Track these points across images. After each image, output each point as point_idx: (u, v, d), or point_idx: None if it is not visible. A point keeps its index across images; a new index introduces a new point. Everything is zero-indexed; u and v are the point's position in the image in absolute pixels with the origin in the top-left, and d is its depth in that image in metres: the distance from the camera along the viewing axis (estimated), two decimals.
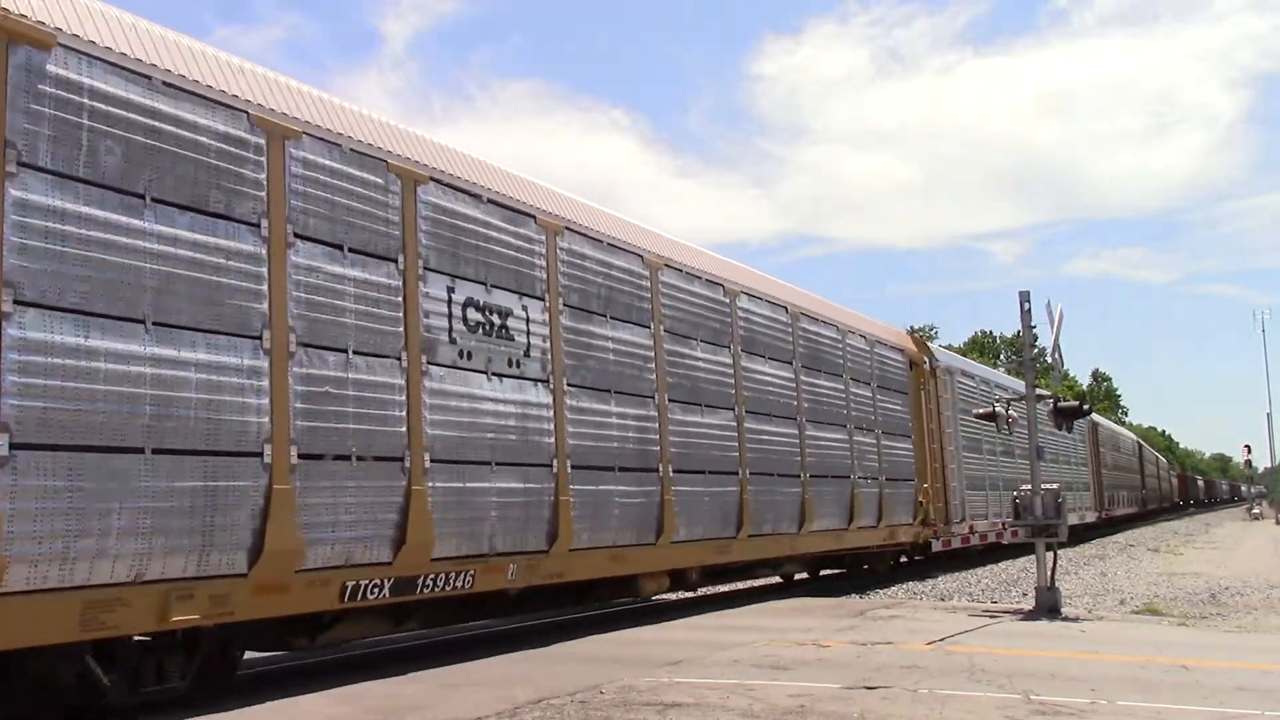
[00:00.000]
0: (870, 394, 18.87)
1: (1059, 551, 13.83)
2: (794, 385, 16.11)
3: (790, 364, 16.12)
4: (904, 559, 22.45)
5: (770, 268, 17.77)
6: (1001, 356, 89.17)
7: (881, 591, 17.48)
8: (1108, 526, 41.02)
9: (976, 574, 21.08)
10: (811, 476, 16.12)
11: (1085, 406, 16.47)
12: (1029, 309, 13.44)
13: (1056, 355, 15.53)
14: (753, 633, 10.94)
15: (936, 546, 21.01)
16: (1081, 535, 33.33)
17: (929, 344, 23.89)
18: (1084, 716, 6.55)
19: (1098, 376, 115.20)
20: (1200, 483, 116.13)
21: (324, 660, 10.50)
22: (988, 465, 24.72)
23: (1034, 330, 13.73)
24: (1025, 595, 15.63)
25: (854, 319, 19.13)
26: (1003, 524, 24.29)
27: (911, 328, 73.21)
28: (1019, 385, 28.06)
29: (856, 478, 17.64)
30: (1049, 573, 12.66)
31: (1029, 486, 13.12)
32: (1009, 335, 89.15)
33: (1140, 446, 58.95)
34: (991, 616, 12.29)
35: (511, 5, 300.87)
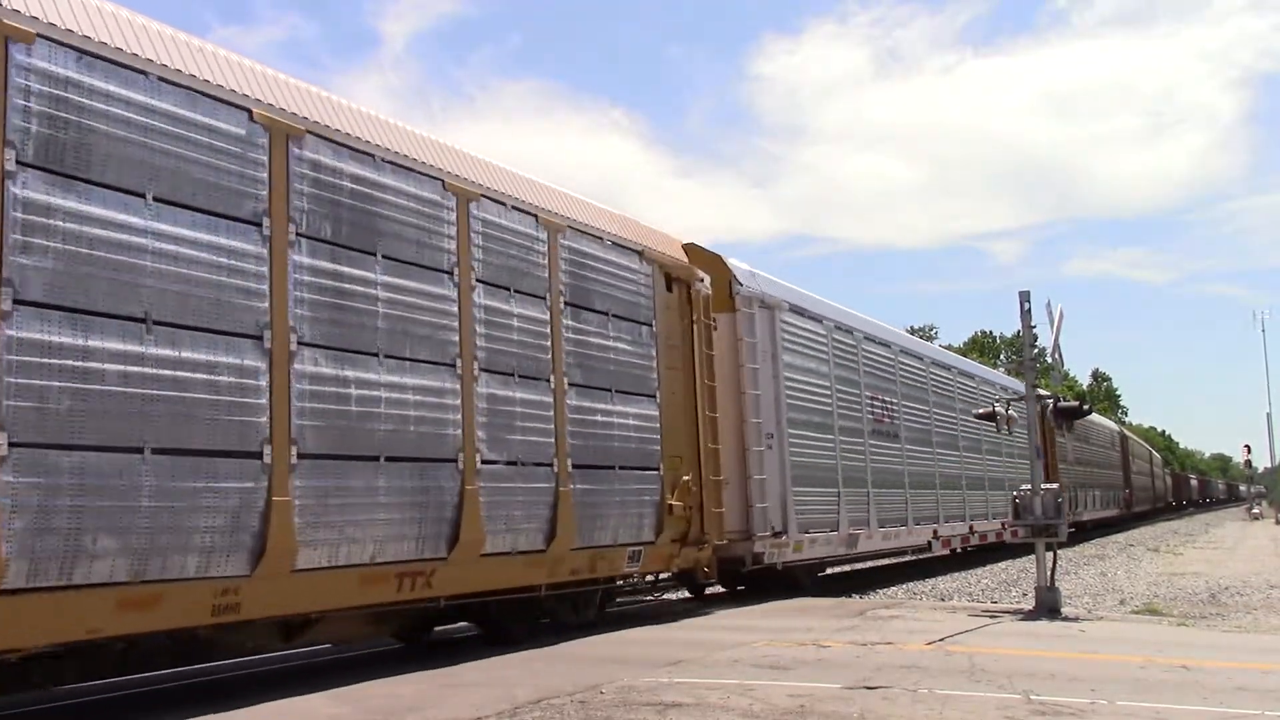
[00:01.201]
0: (545, 315, 10.95)
1: (1059, 551, 13.83)
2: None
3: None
4: (678, 594, 15.73)
5: (771, 267, 17.42)
6: (1001, 356, 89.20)
7: (881, 592, 17.49)
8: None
9: (976, 574, 21.09)
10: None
11: (1085, 406, 16.50)
12: (1029, 309, 13.45)
13: (1056, 355, 15.55)
14: (753, 633, 10.94)
15: (764, 565, 14.72)
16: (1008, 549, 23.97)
17: (728, 260, 15.16)
18: (1084, 716, 6.55)
19: (1098, 376, 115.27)
20: (1194, 482, 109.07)
21: (324, 660, 10.50)
22: (882, 454, 19.04)
23: (1034, 330, 13.74)
24: (1025, 595, 15.64)
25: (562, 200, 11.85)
26: (933, 540, 20.85)
27: (914, 329, 73.33)
28: (910, 341, 24.17)
29: (481, 463, 9.87)
30: (1049, 573, 12.66)
31: (1028, 487, 13.12)
32: (1009, 335, 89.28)
33: (1123, 438, 51.83)
34: (991, 616, 12.29)
35: (511, 5, 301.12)
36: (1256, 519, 58.41)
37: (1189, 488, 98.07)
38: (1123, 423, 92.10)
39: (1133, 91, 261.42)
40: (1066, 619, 12.07)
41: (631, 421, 12.04)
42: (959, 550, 23.59)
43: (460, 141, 11.05)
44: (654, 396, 12.43)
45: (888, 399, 19.94)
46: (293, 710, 7.40)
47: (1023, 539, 13.65)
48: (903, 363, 21.22)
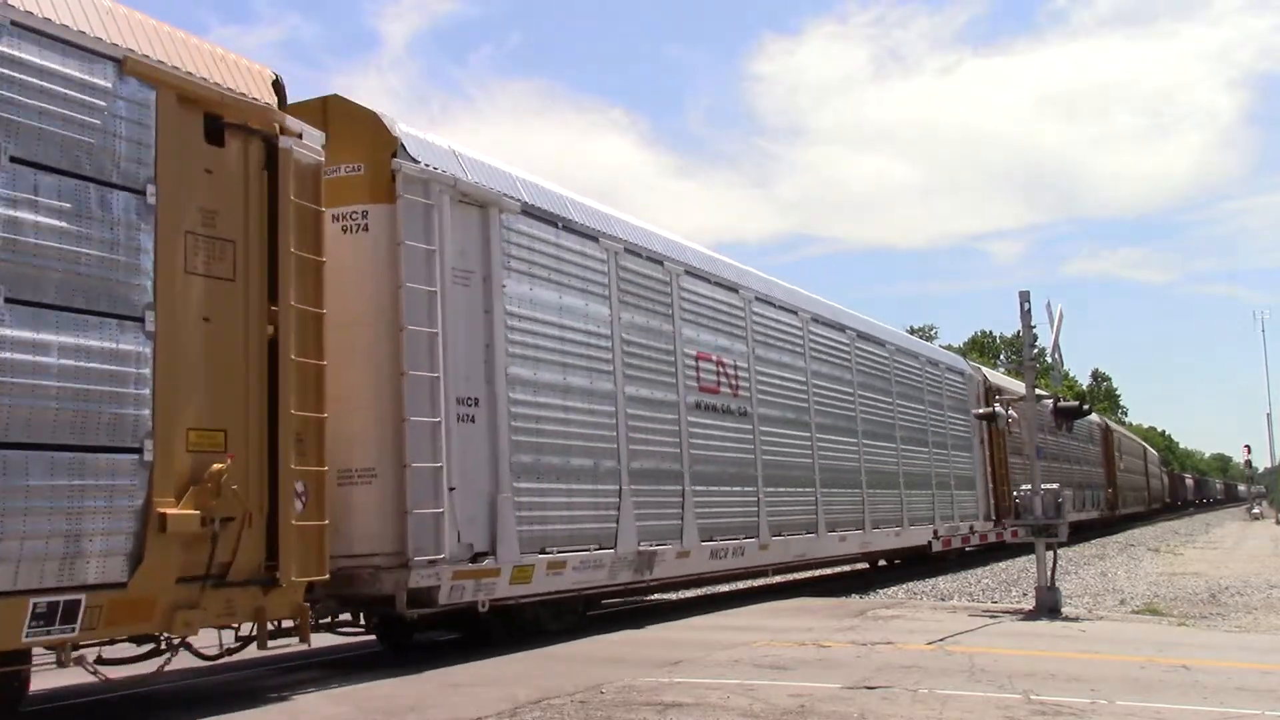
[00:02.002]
0: None
1: (1059, 551, 13.83)
2: None
3: None
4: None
5: (771, 268, 17.09)
6: (1001, 356, 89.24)
7: (881, 591, 17.49)
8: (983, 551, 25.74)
9: (976, 574, 21.08)
10: None
11: (1085, 406, 16.49)
12: (1029, 309, 13.46)
13: (1056, 355, 15.53)
14: (753, 633, 10.94)
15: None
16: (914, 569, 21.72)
17: (392, 122, 10.02)
18: (1084, 716, 6.55)
19: (1098, 376, 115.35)
20: (1189, 482, 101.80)
21: (324, 660, 10.49)
22: (717, 437, 14.09)
23: (1034, 330, 13.75)
24: (1025, 595, 15.63)
25: None
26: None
27: (914, 329, 73.22)
28: (777, 288, 16.91)
29: None
30: (1049, 573, 12.66)
31: (1028, 487, 13.12)
32: (1009, 335, 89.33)
33: (1107, 431, 45.07)
34: (991, 616, 12.29)
35: (511, 5, 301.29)
36: (1257, 519, 58.44)
37: (1184, 488, 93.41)
38: (1122, 422, 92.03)
39: (1133, 91, 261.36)
40: (1067, 619, 12.06)
41: (58, 362, 6.64)
42: (894, 563, 22.09)
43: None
44: (135, 319, 7.11)
45: (731, 362, 14.78)
46: (293, 710, 7.40)
47: (1023, 539, 13.65)
48: (760, 314, 15.81)
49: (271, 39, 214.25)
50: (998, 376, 31.55)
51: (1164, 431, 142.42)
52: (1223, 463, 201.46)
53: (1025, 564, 21.50)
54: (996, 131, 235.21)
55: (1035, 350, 14.56)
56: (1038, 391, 14.00)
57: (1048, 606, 12.41)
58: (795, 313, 17.03)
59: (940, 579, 19.94)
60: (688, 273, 14.04)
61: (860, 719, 6.57)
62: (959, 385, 24.96)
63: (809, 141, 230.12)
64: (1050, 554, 12.86)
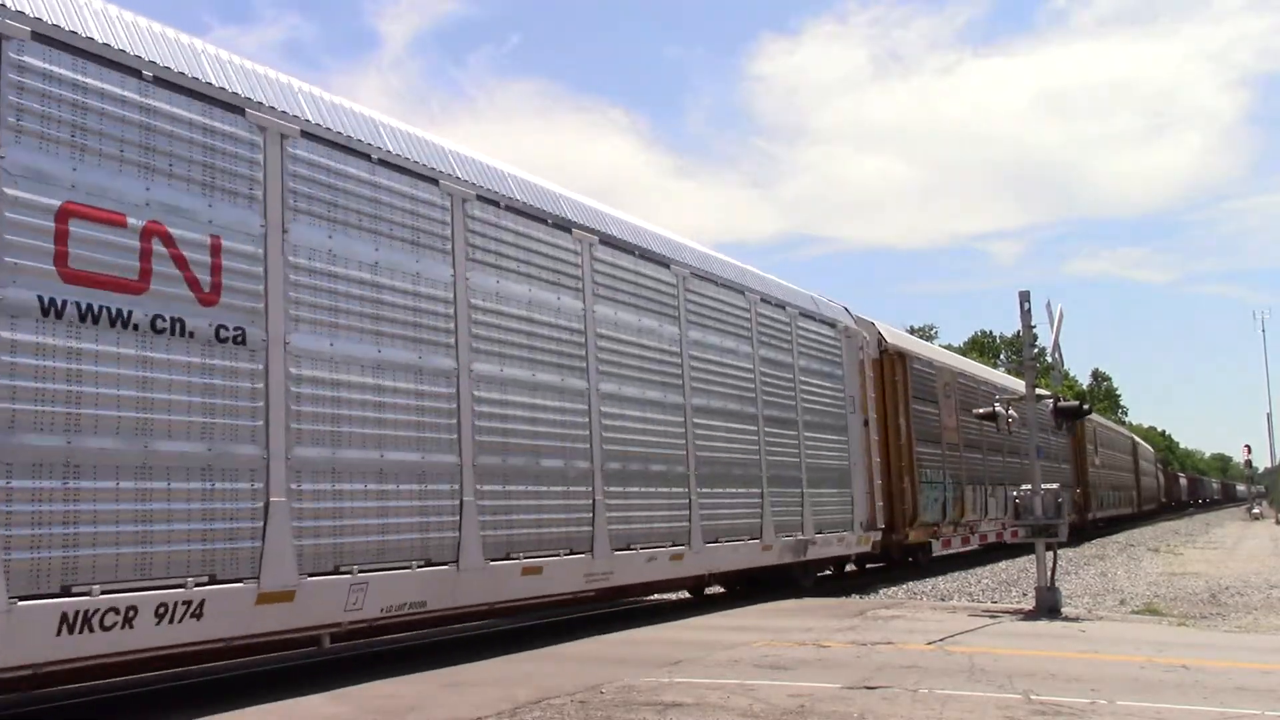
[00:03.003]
0: None
1: (1059, 551, 13.83)
2: None
3: None
4: None
5: (771, 268, 16.97)
6: (1002, 356, 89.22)
7: (881, 591, 17.48)
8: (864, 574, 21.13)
9: (976, 574, 21.07)
10: None
11: (1085, 406, 16.47)
12: (1029, 309, 13.45)
13: (1056, 355, 15.53)
14: (753, 633, 10.95)
15: None
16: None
17: None
18: (1084, 716, 6.55)
19: (1098, 376, 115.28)
20: (1183, 481, 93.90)
21: (324, 660, 10.49)
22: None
23: (1034, 330, 13.75)
24: (1025, 595, 15.63)
25: None
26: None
27: (914, 329, 73.19)
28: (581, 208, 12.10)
29: None
30: (1049, 573, 12.67)
31: (1028, 487, 13.12)
32: (1009, 335, 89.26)
33: (1081, 425, 35.22)
34: (991, 616, 12.29)
35: (511, 5, 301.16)
36: (1257, 519, 58.44)
37: (1178, 487, 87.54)
38: (1122, 422, 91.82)
39: (1133, 91, 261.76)
40: (1067, 619, 12.06)
41: None
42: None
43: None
44: None
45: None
46: (293, 710, 7.40)
47: (1022, 539, 13.65)
48: (547, 243, 11.33)
49: (271, 39, 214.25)
50: (903, 336, 23.75)
51: (1164, 431, 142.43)
52: (1223, 463, 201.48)
53: (1025, 564, 21.50)
54: (996, 131, 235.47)
55: (1035, 350, 14.56)
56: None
57: (1048, 606, 12.41)
58: (632, 252, 12.81)
59: (940, 579, 19.93)
60: (386, 163, 9.56)
61: (860, 719, 6.57)
62: (829, 343, 17.67)
63: (809, 141, 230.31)
64: (1050, 554, 12.86)
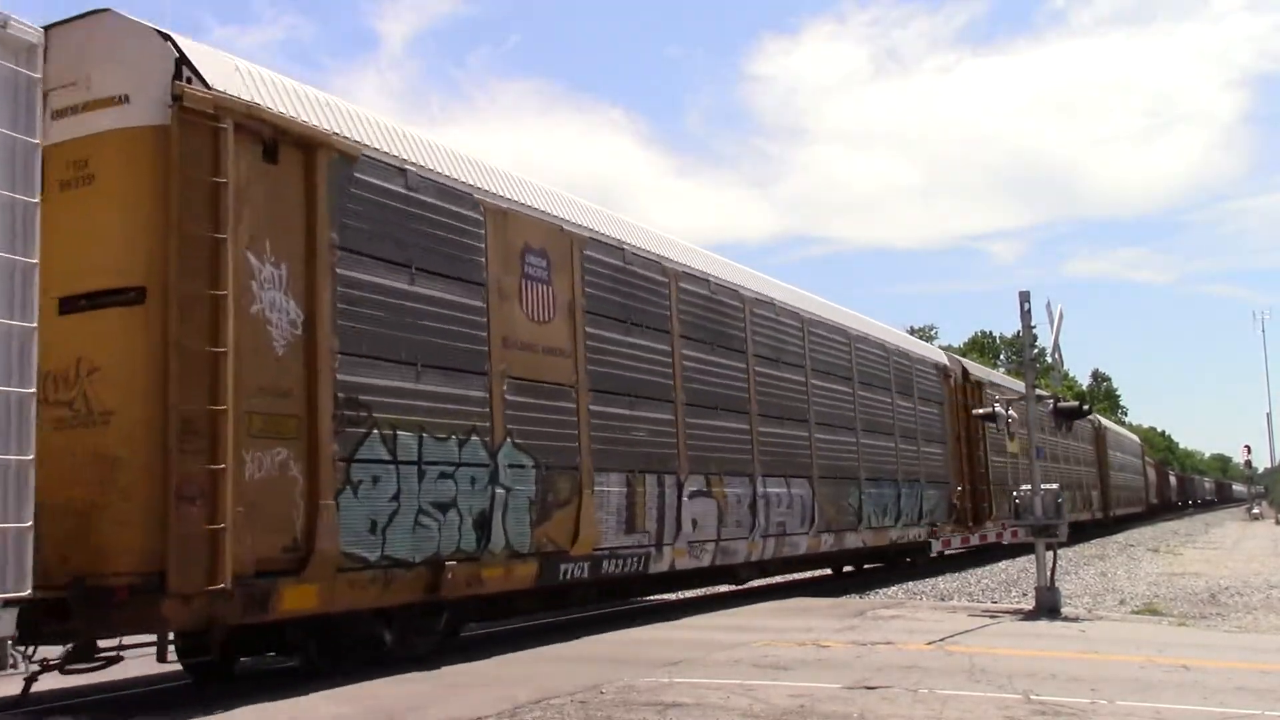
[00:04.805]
0: None
1: (1058, 551, 13.83)
2: None
3: None
4: None
5: (770, 268, 17.30)
6: (1001, 356, 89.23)
7: (881, 591, 17.48)
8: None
9: (976, 574, 21.08)
10: None
11: (1085, 406, 16.48)
12: (1029, 309, 13.45)
13: (1056, 355, 15.54)
14: (753, 633, 10.94)
15: None
16: None
17: None
18: (1084, 716, 6.55)
19: (1098, 376, 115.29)
20: (1173, 480, 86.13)
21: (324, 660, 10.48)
22: None
23: (1034, 330, 13.74)
24: (1025, 595, 15.63)
25: None
26: None
27: (914, 329, 73.16)
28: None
29: None
30: (1049, 573, 12.66)
31: (1028, 486, 13.12)
32: (1009, 335, 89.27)
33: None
34: (991, 616, 12.29)
35: (510, 5, 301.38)
36: (1256, 519, 58.44)
37: (1169, 487, 79.69)
38: (1122, 422, 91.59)
39: (1132, 91, 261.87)
40: (1066, 619, 12.06)
41: None
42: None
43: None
44: None
45: None
46: (293, 710, 7.40)
47: (1022, 539, 13.66)
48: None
49: (271, 39, 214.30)
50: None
51: (1164, 431, 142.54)
52: (1223, 463, 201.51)
53: (1025, 564, 21.49)
54: (996, 131, 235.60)
55: (1035, 350, 14.57)
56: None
57: (1047, 606, 12.40)
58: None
59: (940, 579, 19.94)
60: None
61: (860, 719, 6.58)
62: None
63: (808, 141, 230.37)
64: (1050, 554, 12.86)
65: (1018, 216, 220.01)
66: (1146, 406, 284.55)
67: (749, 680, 7.96)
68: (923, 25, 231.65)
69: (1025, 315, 13.50)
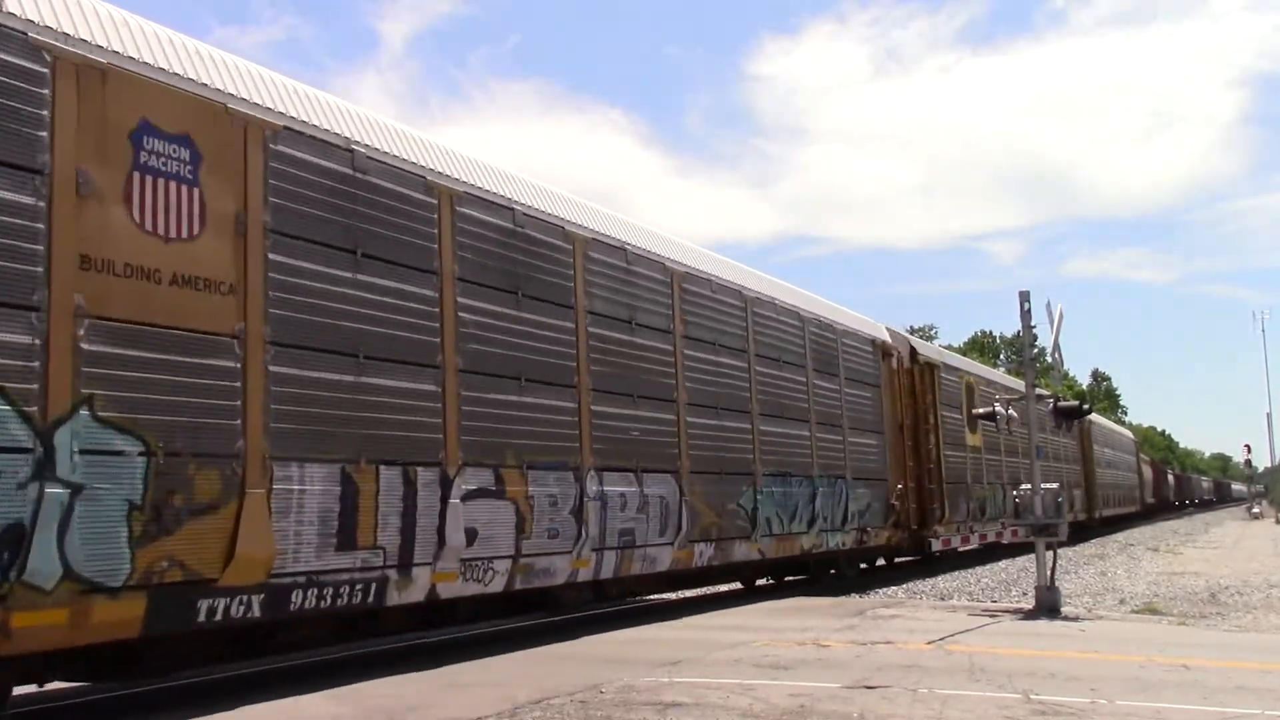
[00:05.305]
0: None
1: (1058, 551, 13.83)
2: None
3: None
4: None
5: (770, 268, 17.13)
6: (1001, 356, 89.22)
7: (881, 591, 17.48)
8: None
9: (976, 574, 21.07)
10: None
11: (1085, 406, 16.48)
12: (1029, 309, 13.45)
13: (1056, 355, 15.54)
14: (752, 632, 10.94)
15: None
16: None
17: None
18: (1084, 716, 6.55)
19: (1098, 376, 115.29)
20: (1171, 479, 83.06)
21: (324, 660, 10.49)
22: None
23: (1034, 330, 13.74)
24: (1025, 595, 15.63)
25: None
26: None
27: (914, 329, 73.14)
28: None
29: None
30: (1049, 572, 12.66)
31: (1028, 486, 13.12)
32: (1009, 335, 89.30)
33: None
34: (991, 616, 12.29)
35: (510, 5, 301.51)
36: (1256, 518, 58.45)
37: (1166, 486, 75.85)
38: (1122, 421, 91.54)
39: (1132, 91, 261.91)
40: (1066, 618, 12.06)
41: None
42: None
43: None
44: None
45: None
46: (293, 710, 7.39)
47: (1022, 539, 13.65)
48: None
49: (271, 40, 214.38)
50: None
51: (1164, 431, 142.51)
52: (1223, 462, 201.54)
53: (1025, 564, 21.50)
54: (996, 131, 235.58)
55: (1035, 350, 14.56)
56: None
57: (1047, 606, 12.41)
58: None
59: (940, 579, 19.93)
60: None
61: (860, 718, 6.57)
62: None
63: (808, 141, 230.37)
64: (1050, 554, 12.86)
65: (1017, 216, 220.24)
66: (1146, 406, 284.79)
67: (749, 680, 7.95)
68: (922, 25, 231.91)
69: (1025, 315, 13.50)
